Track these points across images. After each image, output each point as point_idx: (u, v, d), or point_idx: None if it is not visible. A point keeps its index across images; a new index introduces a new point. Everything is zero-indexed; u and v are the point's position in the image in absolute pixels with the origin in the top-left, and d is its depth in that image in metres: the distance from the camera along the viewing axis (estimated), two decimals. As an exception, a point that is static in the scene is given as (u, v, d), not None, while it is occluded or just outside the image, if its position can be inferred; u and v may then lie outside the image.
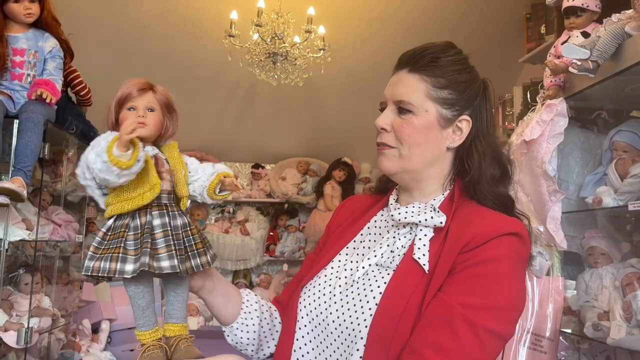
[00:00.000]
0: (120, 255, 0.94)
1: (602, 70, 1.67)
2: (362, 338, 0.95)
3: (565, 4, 1.87)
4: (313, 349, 1.04)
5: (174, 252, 0.96)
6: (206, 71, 4.14)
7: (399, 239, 1.02)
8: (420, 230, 1.00)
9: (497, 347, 0.91)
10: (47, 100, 2.21)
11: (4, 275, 2.30)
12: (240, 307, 1.12)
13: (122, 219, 0.97)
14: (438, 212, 0.99)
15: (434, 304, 0.91)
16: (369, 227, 1.14)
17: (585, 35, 1.81)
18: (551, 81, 1.91)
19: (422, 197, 1.06)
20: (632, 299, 1.60)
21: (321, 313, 1.04)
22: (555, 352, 1.73)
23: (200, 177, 1.05)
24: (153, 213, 0.98)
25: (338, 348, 1.00)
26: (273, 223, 5.04)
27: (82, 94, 2.72)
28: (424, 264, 0.95)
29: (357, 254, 1.09)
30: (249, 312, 1.12)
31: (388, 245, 1.03)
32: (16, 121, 2.20)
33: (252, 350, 1.14)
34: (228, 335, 1.13)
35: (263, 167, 4.97)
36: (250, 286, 4.84)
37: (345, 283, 1.04)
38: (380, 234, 1.10)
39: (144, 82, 1.05)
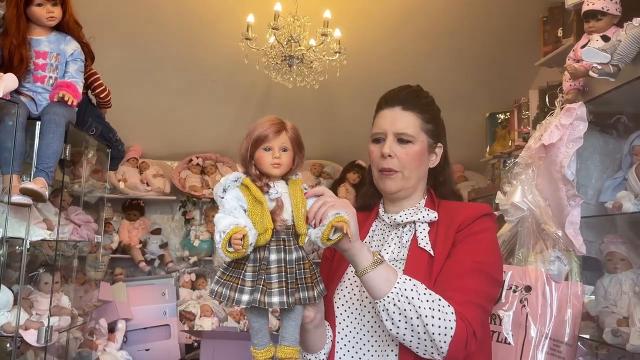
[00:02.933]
0: (239, 286, 1.09)
1: (622, 74, 1.66)
2: None
3: (585, 8, 1.86)
4: (353, 347, 1.24)
5: (284, 288, 1.08)
6: (223, 74, 4.17)
7: (404, 235, 1.28)
8: (419, 226, 1.27)
9: (497, 290, 1.27)
10: (69, 103, 2.24)
11: (24, 275, 2.34)
12: (326, 334, 1.26)
13: None
14: (430, 210, 1.28)
15: (452, 264, 1.19)
16: (370, 236, 1.36)
17: (605, 39, 1.80)
18: (570, 85, 1.90)
19: (408, 205, 1.32)
20: (653, 305, 1.59)
21: (357, 308, 1.25)
22: (574, 357, 1.72)
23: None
24: (271, 248, 1.10)
25: (374, 335, 1.21)
26: (287, 225, 5.05)
27: (102, 96, 2.75)
28: (430, 250, 1.22)
29: None
30: (330, 336, 1.27)
31: (395, 243, 1.29)
32: (38, 123, 2.24)
33: None
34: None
35: (277, 169, 4.98)
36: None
37: None
38: (383, 237, 1.34)
39: (278, 123, 1.17)
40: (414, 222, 1.27)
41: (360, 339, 1.23)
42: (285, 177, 1.17)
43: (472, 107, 4.34)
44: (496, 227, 1.30)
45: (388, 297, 1.08)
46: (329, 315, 1.27)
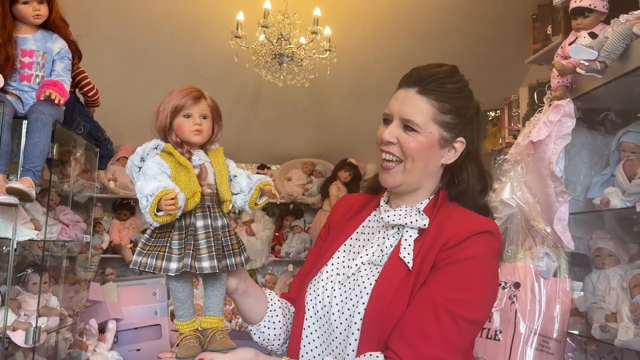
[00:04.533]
0: (166, 254, 1.05)
1: (609, 71, 1.67)
2: (358, 329, 1.09)
3: (572, 5, 1.87)
4: (319, 337, 1.17)
5: (213, 253, 1.06)
6: (213, 72, 4.16)
7: (388, 239, 1.17)
8: (407, 231, 1.14)
9: (473, 332, 1.09)
10: (56, 101, 2.22)
11: (12, 275, 2.32)
12: (267, 306, 1.23)
13: None
14: (422, 215, 1.14)
15: (420, 296, 1.06)
16: (363, 226, 1.26)
17: (593, 36, 1.81)
18: (558, 82, 1.91)
19: (411, 202, 1.19)
20: (640, 301, 1.60)
21: (324, 307, 1.17)
22: (563, 353, 1.73)
23: (242, 190, 1.14)
24: (197, 215, 1.08)
25: (338, 337, 1.13)
26: (278, 224, 5.05)
27: (90, 94, 2.73)
28: (409, 262, 1.09)
29: (353, 252, 1.23)
30: (274, 310, 1.24)
31: (378, 245, 1.17)
32: (25, 122, 2.21)
33: (278, 344, 1.25)
34: (255, 334, 1.24)
35: (269, 168, 4.97)
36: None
37: (342, 279, 1.17)
38: (372, 233, 1.23)
39: (197, 91, 1.13)
40: (402, 226, 1.15)
41: (329, 326, 1.16)
42: (204, 147, 1.16)
43: (462, 104, 4.34)
44: (493, 247, 1.11)
45: None
46: (300, 302, 1.22)
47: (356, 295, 1.13)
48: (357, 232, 1.26)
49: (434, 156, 1.15)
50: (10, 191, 2.07)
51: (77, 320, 2.96)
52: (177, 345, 1.09)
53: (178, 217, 1.06)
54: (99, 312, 3.49)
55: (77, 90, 2.71)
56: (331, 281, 1.19)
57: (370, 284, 1.12)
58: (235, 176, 1.16)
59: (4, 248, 2.25)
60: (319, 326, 1.18)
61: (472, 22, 3.89)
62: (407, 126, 1.13)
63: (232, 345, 1.08)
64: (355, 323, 1.10)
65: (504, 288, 1.81)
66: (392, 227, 1.17)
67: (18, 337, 2.24)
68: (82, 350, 3.04)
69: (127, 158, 4.71)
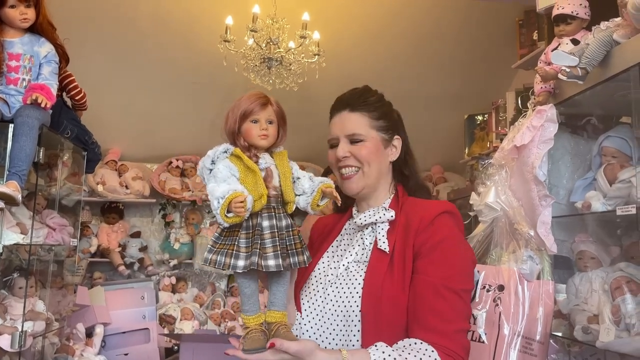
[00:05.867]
0: (234, 252, 1.14)
1: (590, 77, 1.69)
2: (356, 316, 1.22)
3: (555, 12, 1.89)
4: (314, 333, 1.29)
5: (278, 252, 1.15)
6: (201, 76, 4.16)
7: (366, 238, 1.33)
8: (379, 226, 1.32)
9: (470, 298, 1.30)
10: (43, 105, 2.21)
11: (-2, 279, 2.31)
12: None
13: None
14: (388, 209, 1.33)
15: (419, 285, 1.22)
16: (342, 235, 1.44)
17: (575, 42, 1.84)
18: (541, 87, 1.93)
19: (376, 202, 1.38)
20: (621, 303, 1.62)
21: (319, 305, 1.30)
22: (546, 355, 1.75)
23: (305, 191, 1.24)
24: (263, 215, 1.16)
25: (336, 328, 1.26)
26: (268, 227, 5.05)
27: (77, 98, 2.72)
28: (386, 249, 1.27)
29: (336, 256, 1.39)
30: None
31: (359, 245, 1.34)
32: (11, 125, 2.21)
33: None
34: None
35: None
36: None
37: (332, 279, 1.32)
38: (351, 238, 1.40)
39: (264, 97, 1.24)
40: (375, 224, 1.32)
41: (326, 321, 1.27)
42: (269, 150, 1.24)
43: (451, 108, 4.39)
44: (457, 224, 1.31)
45: None
46: (296, 300, 1.34)
47: (349, 288, 1.26)
48: (337, 240, 1.44)
49: (382, 156, 1.36)
50: (-4, 195, 2.06)
51: (64, 325, 2.94)
52: (243, 338, 1.15)
53: (246, 218, 1.14)
54: (86, 316, 3.48)
55: (64, 93, 2.70)
56: (321, 282, 1.33)
57: (361, 276, 1.26)
58: (298, 178, 1.24)
59: (-11, 252, 2.24)
60: (314, 324, 1.29)
61: (460, 27, 3.93)
62: (354, 140, 1.33)
63: (295, 338, 1.15)
64: (354, 311, 1.22)
65: (488, 291, 1.82)
66: (367, 227, 1.34)
67: (4, 342, 2.23)
68: (69, 354, 3.02)
69: (115, 161, 4.73)
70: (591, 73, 1.69)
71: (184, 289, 4.62)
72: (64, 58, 2.48)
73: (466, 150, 4.23)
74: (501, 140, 3.60)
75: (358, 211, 1.42)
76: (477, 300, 1.84)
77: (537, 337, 1.75)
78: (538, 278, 1.83)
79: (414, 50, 4.08)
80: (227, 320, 4.36)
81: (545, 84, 1.91)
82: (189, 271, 4.76)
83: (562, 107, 1.88)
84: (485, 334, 1.78)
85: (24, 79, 2.29)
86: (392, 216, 1.31)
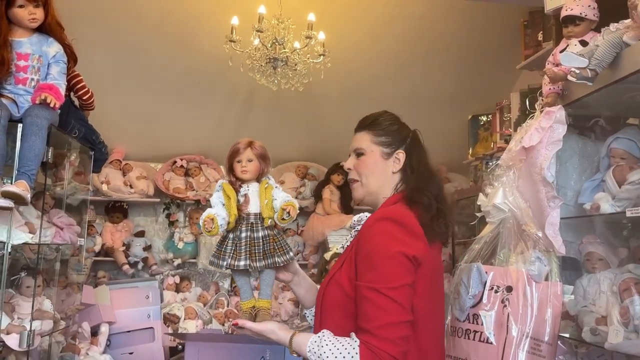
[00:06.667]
0: (221, 255, 1.57)
1: (600, 78, 1.70)
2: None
3: (563, 13, 1.89)
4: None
5: (248, 255, 1.54)
6: (207, 76, 4.16)
7: (349, 239, 1.64)
8: (355, 229, 1.61)
9: (403, 293, 1.36)
10: (51, 105, 2.22)
11: (6, 279, 2.31)
12: (313, 294, 1.67)
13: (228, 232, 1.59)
14: (363, 215, 1.63)
15: (356, 289, 1.40)
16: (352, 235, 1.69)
17: (584, 43, 1.84)
18: (550, 89, 1.93)
19: (377, 208, 1.57)
20: (630, 304, 1.62)
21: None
22: (554, 356, 1.75)
23: (276, 210, 1.58)
24: (242, 229, 1.57)
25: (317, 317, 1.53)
26: (271, 227, 5.06)
27: (84, 98, 2.73)
28: (340, 249, 1.56)
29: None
30: None
31: (344, 245, 1.67)
32: (20, 125, 2.22)
33: None
34: (308, 316, 1.73)
35: (262, 171, 4.98)
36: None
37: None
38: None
39: (247, 142, 1.64)
40: (353, 227, 1.62)
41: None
42: (258, 179, 1.63)
43: (455, 109, 4.39)
44: (387, 228, 1.40)
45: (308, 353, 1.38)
46: None
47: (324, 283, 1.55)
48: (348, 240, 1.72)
49: (381, 167, 1.57)
50: (6, 194, 2.07)
51: (69, 324, 2.95)
52: (240, 316, 1.60)
53: (222, 232, 1.57)
54: (91, 315, 3.49)
55: (71, 93, 2.71)
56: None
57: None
58: (275, 199, 1.58)
59: (-2, 251, 2.24)
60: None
61: (465, 28, 3.93)
62: (358, 153, 1.59)
63: (268, 320, 1.53)
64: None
65: (496, 292, 1.83)
66: (353, 229, 1.63)
67: (12, 341, 2.24)
68: (75, 353, 3.03)
69: (120, 161, 4.74)
70: (600, 75, 1.69)
71: (188, 288, 4.62)
72: (72, 58, 2.49)
73: (470, 150, 4.23)
74: (505, 140, 3.61)
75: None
76: (485, 301, 1.84)
77: (546, 339, 1.75)
78: (546, 279, 1.84)
79: (418, 51, 4.08)
80: (230, 319, 4.36)
81: (554, 85, 1.91)
82: (193, 270, 4.76)
83: (570, 109, 1.88)
84: (494, 335, 1.78)
85: (32, 79, 2.30)
86: (357, 220, 1.61)
